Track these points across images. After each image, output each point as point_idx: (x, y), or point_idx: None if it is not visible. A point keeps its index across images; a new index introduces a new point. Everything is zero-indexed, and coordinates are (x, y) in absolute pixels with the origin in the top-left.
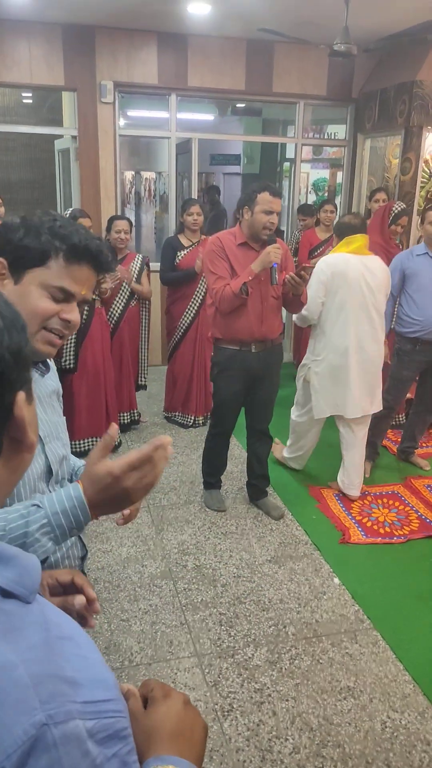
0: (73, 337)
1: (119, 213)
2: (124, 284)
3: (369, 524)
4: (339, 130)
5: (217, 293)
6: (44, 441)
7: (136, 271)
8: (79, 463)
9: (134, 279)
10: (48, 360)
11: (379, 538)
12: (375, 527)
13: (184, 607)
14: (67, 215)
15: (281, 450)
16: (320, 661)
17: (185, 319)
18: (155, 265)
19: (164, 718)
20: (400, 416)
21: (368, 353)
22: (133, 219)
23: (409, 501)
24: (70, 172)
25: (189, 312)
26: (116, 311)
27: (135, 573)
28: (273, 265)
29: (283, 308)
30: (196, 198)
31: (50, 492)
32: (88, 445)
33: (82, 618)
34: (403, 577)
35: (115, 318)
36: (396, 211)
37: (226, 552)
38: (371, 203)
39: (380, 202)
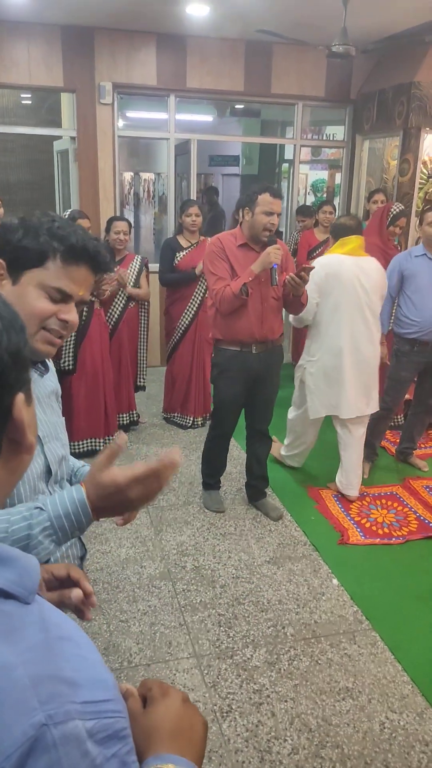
0: (72, 338)
1: (118, 214)
2: None
3: (368, 525)
4: (337, 132)
5: (217, 294)
6: (43, 441)
7: (135, 273)
8: (79, 464)
9: (132, 281)
10: (47, 360)
11: (378, 539)
12: (374, 528)
13: (183, 608)
14: (66, 216)
15: (279, 448)
16: (319, 661)
17: (184, 319)
18: (154, 266)
19: (163, 717)
20: (399, 417)
21: (363, 354)
22: (131, 220)
23: (407, 502)
24: (68, 173)
25: (188, 313)
26: (115, 312)
27: (134, 574)
28: (273, 266)
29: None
30: (195, 199)
31: (49, 492)
32: (87, 447)
33: (79, 611)
34: (402, 578)
35: (114, 319)
36: (394, 213)
37: (225, 553)
38: (370, 204)
39: (379, 203)
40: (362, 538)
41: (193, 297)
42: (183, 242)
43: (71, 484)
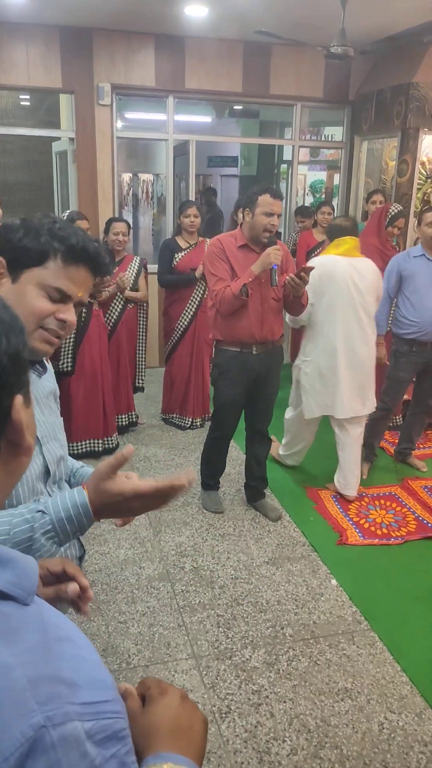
0: (71, 339)
1: (117, 215)
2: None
3: (366, 525)
4: (336, 132)
5: (217, 295)
6: (42, 442)
7: (134, 274)
8: (78, 464)
9: (131, 283)
10: (45, 361)
11: (377, 540)
12: (372, 528)
13: (181, 609)
14: (65, 217)
15: (277, 448)
16: (318, 662)
17: (183, 320)
18: (153, 267)
19: (162, 715)
20: (398, 418)
21: (358, 354)
22: (130, 221)
23: (406, 502)
24: (67, 174)
25: (186, 314)
26: (114, 313)
27: (133, 575)
28: (273, 267)
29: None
30: (194, 200)
31: (48, 493)
32: (86, 448)
33: (76, 606)
34: (401, 579)
35: (112, 320)
36: (392, 213)
37: (224, 554)
38: (368, 205)
39: (377, 203)
40: (361, 539)
41: (191, 298)
42: (182, 243)
43: (70, 484)
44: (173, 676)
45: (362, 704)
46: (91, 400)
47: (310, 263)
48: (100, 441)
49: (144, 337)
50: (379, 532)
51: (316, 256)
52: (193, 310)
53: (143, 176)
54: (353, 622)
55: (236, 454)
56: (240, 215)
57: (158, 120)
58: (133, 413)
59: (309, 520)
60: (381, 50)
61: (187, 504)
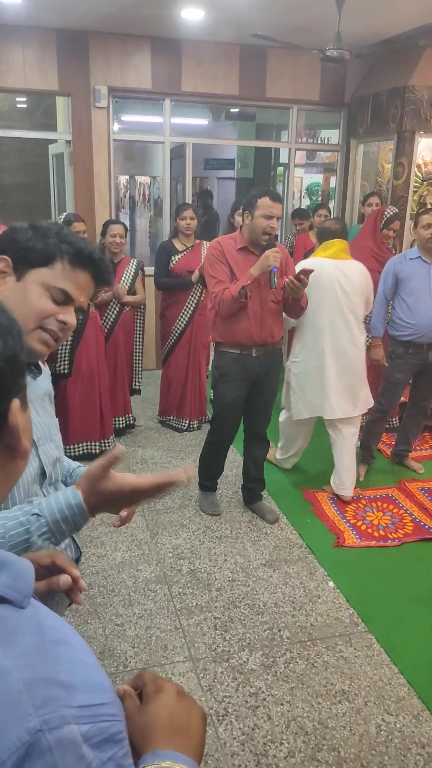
0: (68, 341)
1: (113, 217)
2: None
3: (363, 527)
4: (332, 135)
5: (216, 297)
6: (37, 443)
7: (131, 277)
8: (73, 465)
9: (128, 286)
10: (40, 363)
11: (374, 542)
12: (369, 530)
13: (178, 612)
14: (62, 219)
15: (273, 452)
16: (315, 664)
17: (180, 323)
18: (149, 270)
19: (158, 713)
20: (394, 420)
21: (347, 355)
22: (127, 223)
23: (403, 504)
24: (64, 177)
25: (183, 316)
26: (111, 315)
27: (129, 577)
28: (272, 269)
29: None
30: (190, 202)
31: (44, 495)
32: (82, 450)
33: (69, 596)
34: (398, 580)
35: (109, 322)
36: (388, 216)
37: (221, 556)
38: (365, 207)
39: (373, 206)
40: (358, 541)
41: (188, 301)
42: (178, 245)
43: (66, 485)
44: (170, 678)
45: (360, 706)
46: (88, 402)
47: (297, 266)
48: (97, 443)
49: (141, 340)
50: (376, 534)
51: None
52: (190, 312)
53: (140, 179)
54: (350, 624)
55: (233, 457)
56: (236, 218)
57: (155, 123)
58: (130, 415)
59: (306, 522)
60: (377, 53)
61: (184, 506)
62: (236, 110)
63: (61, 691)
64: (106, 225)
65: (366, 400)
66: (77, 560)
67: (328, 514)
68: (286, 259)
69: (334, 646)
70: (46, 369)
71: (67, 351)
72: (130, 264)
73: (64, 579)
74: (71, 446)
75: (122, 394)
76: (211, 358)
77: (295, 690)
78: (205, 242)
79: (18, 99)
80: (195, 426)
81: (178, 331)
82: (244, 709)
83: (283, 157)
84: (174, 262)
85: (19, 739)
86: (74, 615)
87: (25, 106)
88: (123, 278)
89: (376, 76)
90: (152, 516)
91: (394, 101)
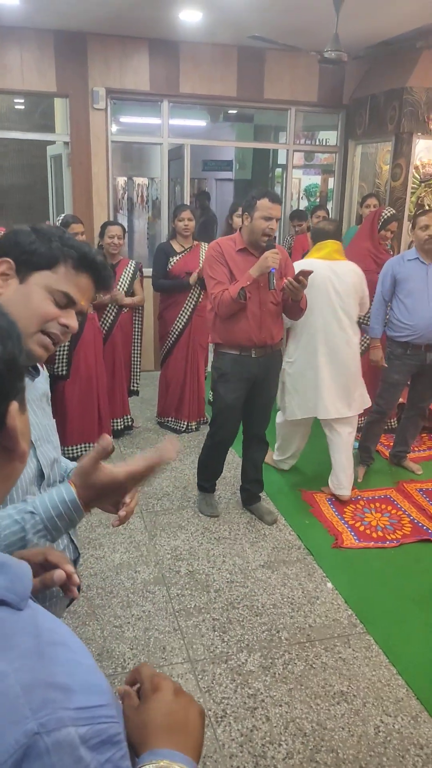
0: (66, 343)
1: (111, 219)
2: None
3: (362, 529)
4: (330, 137)
5: (215, 298)
6: (35, 445)
7: (129, 278)
8: (71, 465)
9: (126, 286)
10: (38, 365)
11: (372, 543)
12: (368, 531)
13: (177, 613)
14: (60, 221)
15: (270, 454)
16: (313, 665)
17: (178, 324)
18: (148, 271)
19: (155, 711)
20: (393, 421)
21: (340, 356)
22: (125, 225)
23: (401, 505)
24: (62, 178)
25: (182, 317)
26: (109, 317)
27: (128, 579)
28: (271, 270)
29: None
30: (188, 204)
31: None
32: (80, 451)
33: (64, 590)
34: (396, 581)
35: (107, 323)
36: (385, 217)
37: (220, 557)
38: (363, 209)
39: (371, 207)
40: (356, 542)
41: (186, 302)
42: (176, 247)
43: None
44: None
45: (358, 707)
46: (86, 403)
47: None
48: (96, 445)
49: (139, 341)
50: (374, 535)
51: None
52: (188, 313)
53: (138, 180)
54: (349, 626)
55: (231, 458)
56: (234, 219)
57: (153, 124)
58: (129, 417)
59: (304, 523)
60: (374, 55)
61: (183, 508)
62: (234, 112)
63: (59, 694)
64: (104, 226)
65: (361, 400)
66: (75, 561)
67: (326, 515)
68: (286, 261)
69: (332, 647)
70: (44, 370)
71: (66, 352)
72: (129, 265)
73: (58, 574)
74: (69, 448)
75: (120, 396)
76: (210, 359)
77: (294, 691)
78: (203, 243)
79: (16, 100)
80: (193, 427)
81: (177, 333)
82: (243, 710)
83: (282, 159)
84: (172, 263)
85: (17, 741)
86: (72, 616)
87: (23, 107)
88: (121, 279)
89: (373, 77)
90: (150, 517)
91: (391, 103)
